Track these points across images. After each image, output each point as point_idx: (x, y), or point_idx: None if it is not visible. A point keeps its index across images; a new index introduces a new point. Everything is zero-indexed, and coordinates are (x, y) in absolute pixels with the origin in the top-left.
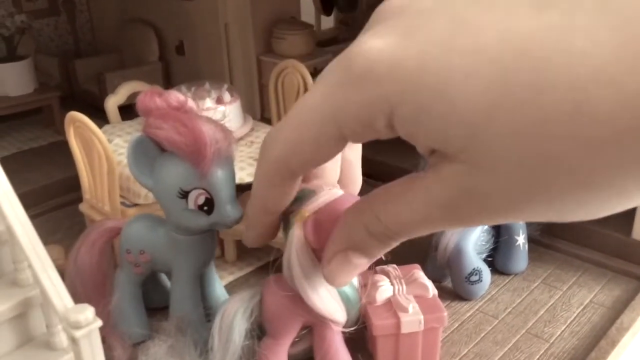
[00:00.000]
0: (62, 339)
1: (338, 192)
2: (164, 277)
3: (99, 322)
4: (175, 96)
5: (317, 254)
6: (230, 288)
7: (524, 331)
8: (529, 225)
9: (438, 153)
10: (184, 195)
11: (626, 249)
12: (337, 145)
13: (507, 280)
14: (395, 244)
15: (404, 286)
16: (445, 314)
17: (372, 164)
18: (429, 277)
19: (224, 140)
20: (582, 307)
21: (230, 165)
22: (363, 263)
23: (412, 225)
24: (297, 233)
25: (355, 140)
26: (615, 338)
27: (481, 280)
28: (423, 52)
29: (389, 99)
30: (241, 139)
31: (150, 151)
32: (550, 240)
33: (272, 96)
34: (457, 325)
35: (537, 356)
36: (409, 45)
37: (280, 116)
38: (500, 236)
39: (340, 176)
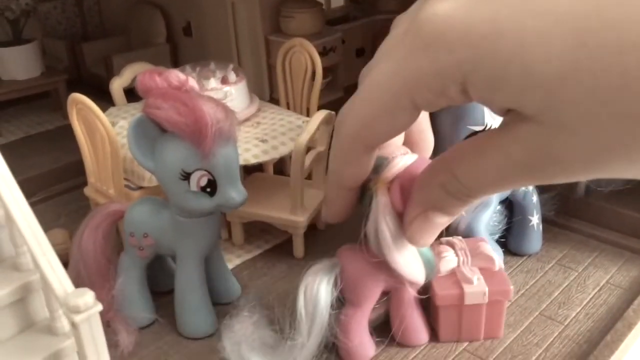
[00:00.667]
0: (63, 324)
1: (412, 156)
2: (169, 261)
3: (99, 307)
4: (176, 75)
5: (401, 219)
6: (238, 271)
7: (537, 313)
8: (543, 205)
9: (514, 113)
10: (186, 176)
11: None
12: (412, 116)
13: (521, 262)
14: (474, 201)
15: (469, 258)
16: (512, 287)
17: None
18: None
19: (225, 119)
20: (597, 289)
21: (233, 146)
22: (444, 221)
23: (489, 184)
24: (382, 200)
25: (429, 109)
26: (632, 320)
27: None
28: (495, 15)
29: (462, 65)
30: (247, 119)
31: (151, 132)
32: (565, 220)
33: (279, 75)
34: None
35: (551, 338)
36: (480, 8)
37: (288, 95)
38: (513, 216)
39: (413, 143)
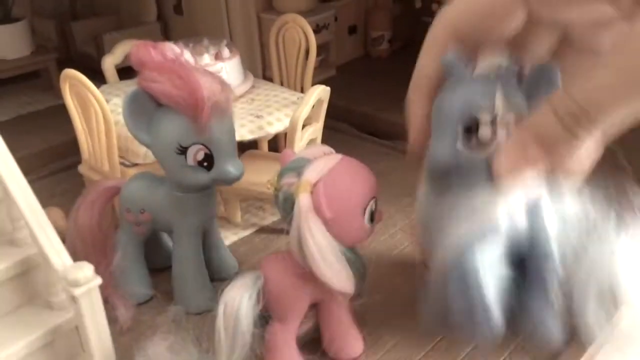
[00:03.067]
0: (62, 298)
1: (337, 156)
2: (166, 238)
3: (99, 280)
4: (171, 48)
5: (327, 225)
6: (235, 248)
7: None
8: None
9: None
10: (183, 151)
11: None
12: (513, 9)
13: None
14: (582, 140)
15: None
16: None
17: (376, 121)
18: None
19: (221, 93)
20: None
21: (229, 120)
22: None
23: (604, 100)
24: (304, 204)
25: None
26: None
27: None
28: None
29: None
30: (242, 96)
31: (146, 105)
32: None
33: (272, 53)
34: None
35: None
36: None
37: (282, 72)
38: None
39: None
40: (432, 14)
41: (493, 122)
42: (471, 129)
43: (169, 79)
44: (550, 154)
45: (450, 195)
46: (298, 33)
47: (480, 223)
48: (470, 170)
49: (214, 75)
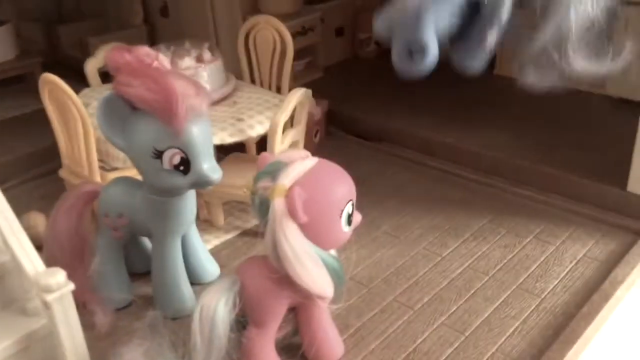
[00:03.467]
0: (36, 304)
1: (313, 159)
2: (146, 242)
3: (72, 286)
4: (146, 51)
5: (303, 229)
6: (217, 252)
7: (514, 287)
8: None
9: None
10: (159, 155)
11: (621, 202)
12: None
13: (499, 237)
14: None
15: None
16: None
17: (362, 123)
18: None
19: (196, 96)
20: (575, 262)
21: (205, 123)
22: None
23: None
24: (279, 208)
25: None
26: (609, 292)
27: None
28: None
29: None
30: (224, 98)
31: (121, 110)
32: (544, 195)
33: (242, 54)
34: (446, 282)
35: (528, 311)
36: None
37: (254, 76)
38: (471, 27)
39: None
40: None
41: None
42: None
43: (144, 82)
44: None
45: None
46: (272, 34)
47: None
48: None
49: (188, 79)
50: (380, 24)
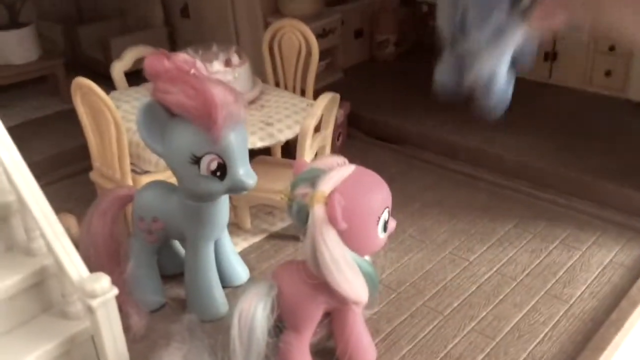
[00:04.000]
0: (77, 308)
1: (350, 166)
2: (178, 245)
3: (115, 291)
4: (184, 58)
5: (342, 236)
6: (246, 255)
7: (542, 292)
8: None
9: None
10: (196, 160)
11: None
12: None
13: (525, 242)
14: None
15: None
16: None
17: (384, 126)
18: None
19: (234, 103)
20: (602, 268)
21: (242, 129)
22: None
23: None
24: (319, 216)
25: None
26: (637, 298)
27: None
28: None
29: None
30: (252, 102)
31: (160, 116)
32: (568, 200)
33: (266, 57)
34: (474, 287)
35: (557, 317)
36: None
37: (278, 79)
38: None
39: None
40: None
41: None
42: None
43: (182, 89)
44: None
45: None
46: (297, 37)
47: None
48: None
49: (226, 85)
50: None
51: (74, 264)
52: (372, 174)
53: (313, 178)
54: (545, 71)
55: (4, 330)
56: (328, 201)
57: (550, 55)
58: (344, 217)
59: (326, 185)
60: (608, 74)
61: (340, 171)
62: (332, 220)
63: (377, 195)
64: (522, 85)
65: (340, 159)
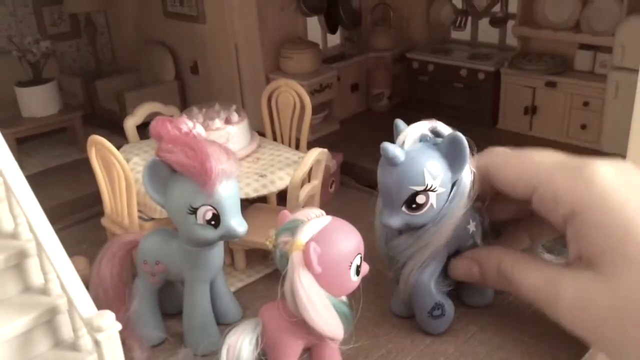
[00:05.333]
0: (86, 342)
1: (327, 218)
2: (178, 285)
3: (119, 326)
4: (185, 122)
5: (317, 278)
6: (241, 294)
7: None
8: None
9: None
10: (193, 211)
11: None
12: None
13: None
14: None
15: None
16: None
17: (375, 175)
18: (396, 313)
19: (227, 161)
20: None
21: (234, 184)
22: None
23: (529, 289)
24: (297, 261)
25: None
26: None
27: (444, 315)
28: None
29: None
30: (248, 155)
31: (163, 172)
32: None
33: (264, 112)
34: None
35: None
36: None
37: (275, 133)
38: None
39: None
40: (427, 73)
41: (425, 191)
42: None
43: (182, 150)
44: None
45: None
46: (292, 95)
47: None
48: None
49: (220, 146)
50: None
51: (84, 302)
52: (346, 224)
53: (293, 228)
54: (526, 124)
55: None
56: (305, 248)
57: (530, 109)
58: (319, 263)
59: (304, 235)
60: (583, 127)
61: (317, 222)
62: (308, 265)
63: (349, 243)
64: (505, 136)
65: (318, 211)
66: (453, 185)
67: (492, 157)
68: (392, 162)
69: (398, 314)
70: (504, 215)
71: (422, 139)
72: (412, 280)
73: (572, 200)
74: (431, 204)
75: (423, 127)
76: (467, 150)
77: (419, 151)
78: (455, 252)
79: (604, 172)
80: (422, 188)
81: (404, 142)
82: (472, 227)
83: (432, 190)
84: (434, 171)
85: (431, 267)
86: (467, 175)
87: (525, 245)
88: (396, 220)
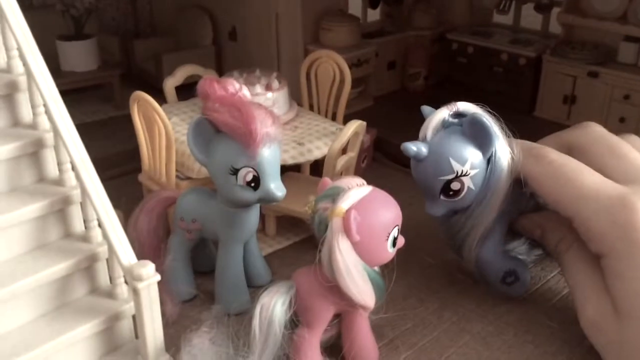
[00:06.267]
0: (123, 290)
1: (367, 188)
2: (211, 244)
3: (158, 277)
4: (232, 84)
5: (355, 247)
6: (270, 259)
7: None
8: None
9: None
10: (235, 172)
11: None
12: None
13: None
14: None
15: None
16: None
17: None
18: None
19: (271, 125)
20: None
21: (276, 148)
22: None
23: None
24: (336, 227)
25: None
26: None
27: (518, 279)
28: None
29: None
30: (286, 123)
31: (207, 131)
32: None
33: (303, 83)
34: (474, 304)
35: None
36: None
37: (313, 105)
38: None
39: None
40: (466, 55)
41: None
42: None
43: (229, 110)
44: None
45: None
46: (332, 67)
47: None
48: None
49: (266, 109)
50: None
51: (125, 251)
52: (385, 195)
53: (334, 195)
54: (564, 113)
55: (59, 304)
56: (345, 216)
57: (569, 98)
58: (358, 231)
59: (345, 202)
60: (622, 120)
61: (358, 191)
62: (347, 233)
63: (388, 214)
64: (542, 124)
65: (359, 180)
66: (489, 161)
67: (538, 166)
68: (417, 159)
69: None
70: None
71: (445, 124)
72: (474, 257)
73: (602, 244)
74: (468, 187)
75: (443, 113)
76: (490, 127)
77: (443, 140)
78: (519, 214)
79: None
80: (453, 176)
81: (426, 135)
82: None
83: (464, 175)
84: (460, 157)
85: (492, 240)
86: (501, 150)
87: None
88: (438, 209)
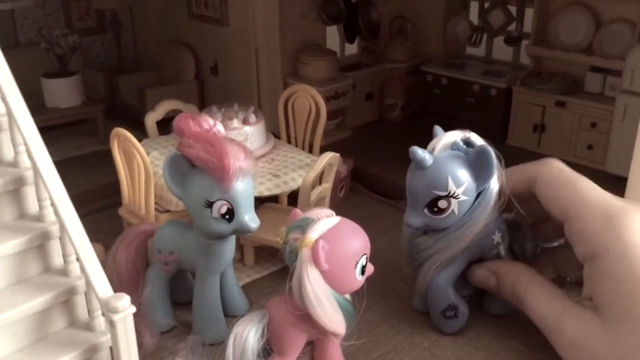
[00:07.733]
0: (101, 322)
1: (336, 218)
2: (189, 276)
3: (133, 309)
4: (206, 120)
5: (324, 275)
6: (248, 288)
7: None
8: None
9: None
10: (209, 205)
11: None
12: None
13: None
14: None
15: None
16: None
17: (384, 182)
18: (416, 308)
19: (244, 159)
20: None
21: (249, 181)
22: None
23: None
24: (305, 257)
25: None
26: None
27: (457, 317)
28: None
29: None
30: (263, 156)
31: (183, 166)
32: None
33: (281, 116)
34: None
35: None
36: None
37: (290, 137)
38: None
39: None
40: (440, 87)
41: (448, 197)
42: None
43: (203, 146)
44: None
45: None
46: (309, 100)
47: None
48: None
49: (239, 144)
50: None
51: (101, 284)
52: (354, 225)
53: (304, 226)
54: (535, 141)
55: (38, 338)
56: (314, 246)
57: (539, 127)
58: (326, 260)
59: (314, 233)
60: (590, 147)
61: (327, 221)
62: (316, 262)
63: (356, 243)
64: (514, 152)
65: (328, 211)
66: (479, 195)
67: (544, 169)
68: (419, 165)
69: (418, 309)
70: (532, 217)
71: (454, 147)
72: (429, 279)
73: (596, 244)
74: (452, 210)
75: (456, 135)
76: (494, 163)
77: (447, 159)
78: (478, 260)
79: (637, 226)
80: (444, 193)
81: (434, 148)
82: (497, 237)
83: (454, 197)
84: (458, 179)
85: (449, 269)
86: (494, 187)
87: (549, 277)
88: (417, 220)
